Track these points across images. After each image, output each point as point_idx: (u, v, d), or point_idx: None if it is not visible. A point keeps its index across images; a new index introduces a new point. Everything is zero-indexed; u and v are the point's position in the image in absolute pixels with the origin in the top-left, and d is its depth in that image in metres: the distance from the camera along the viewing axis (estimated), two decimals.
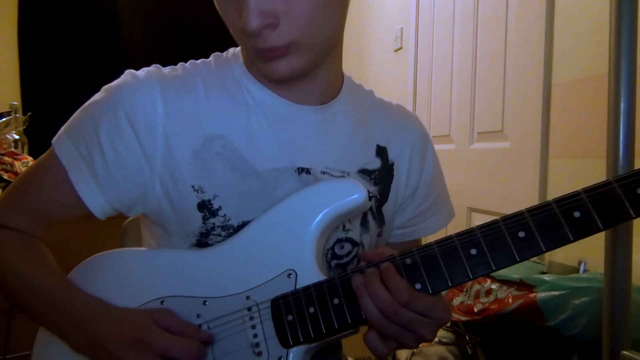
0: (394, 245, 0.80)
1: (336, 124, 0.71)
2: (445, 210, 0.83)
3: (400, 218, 0.79)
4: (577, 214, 0.52)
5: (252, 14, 0.54)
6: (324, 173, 0.69)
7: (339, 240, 0.71)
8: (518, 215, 0.54)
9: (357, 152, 0.72)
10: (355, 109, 0.74)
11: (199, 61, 0.71)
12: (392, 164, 0.76)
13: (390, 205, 0.76)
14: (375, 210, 0.74)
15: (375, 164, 0.74)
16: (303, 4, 0.57)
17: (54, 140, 0.67)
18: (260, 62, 0.61)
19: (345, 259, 0.72)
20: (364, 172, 0.73)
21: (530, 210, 0.54)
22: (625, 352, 0.84)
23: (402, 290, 0.55)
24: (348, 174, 0.71)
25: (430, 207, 0.80)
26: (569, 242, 0.53)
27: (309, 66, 0.64)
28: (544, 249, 0.53)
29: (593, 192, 0.52)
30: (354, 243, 0.72)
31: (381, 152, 0.75)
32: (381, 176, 0.74)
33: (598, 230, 0.52)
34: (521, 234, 0.54)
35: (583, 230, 0.52)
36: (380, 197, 0.75)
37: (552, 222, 0.53)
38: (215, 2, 0.60)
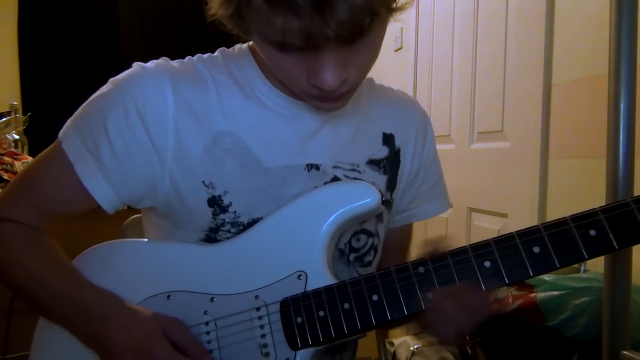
0: (390, 232, 0.80)
1: (343, 119, 0.71)
2: (443, 197, 0.83)
3: (403, 201, 0.79)
4: (593, 233, 0.52)
5: (332, 75, 0.53)
6: (335, 167, 0.69)
7: (355, 233, 0.72)
8: (534, 231, 0.54)
9: (364, 143, 0.73)
10: (358, 100, 0.74)
11: (205, 56, 0.70)
12: (399, 150, 0.76)
13: (399, 191, 0.77)
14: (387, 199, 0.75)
15: (382, 152, 0.74)
16: (369, 54, 0.57)
17: (60, 133, 0.66)
18: (312, 100, 0.61)
19: (362, 251, 0.72)
20: (372, 163, 0.73)
21: (546, 226, 0.54)
22: (625, 352, 0.84)
23: (485, 302, 0.56)
24: (358, 166, 0.71)
25: (429, 190, 0.81)
26: (583, 260, 0.53)
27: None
28: (558, 265, 0.53)
29: (610, 212, 0.52)
30: (369, 234, 0.73)
31: (388, 139, 0.75)
32: (389, 164, 0.75)
33: (613, 250, 0.52)
34: (536, 250, 0.54)
35: (598, 250, 0.52)
36: (390, 184, 0.75)
37: (567, 240, 0.53)
38: (267, 57, 0.57)
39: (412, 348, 1.30)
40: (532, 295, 1.02)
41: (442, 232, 1.95)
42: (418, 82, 2.24)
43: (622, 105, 0.83)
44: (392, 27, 2.49)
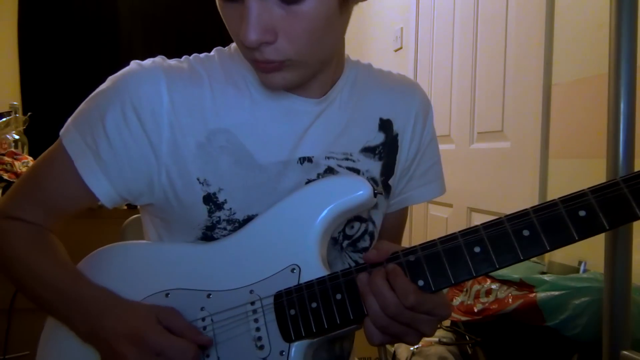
0: (384, 216, 0.79)
1: (335, 109, 0.71)
2: (438, 181, 0.82)
3: (399, 186, 0.79)
4: (582, 214, 0.52)
5: (251, 29, 0.54)
6: (328, 158, 0.70)
7: (349, 221, 0.72)
8: (523, 214, 0.54)
9: (358, 131, 0.73)
10: (353, 87, 0.74)
11: (202, 55, 0.71)
12: (397, 135, 0.76)
13: (396, 177, 0.76)
14: (383, 185, 0.75)
15: (378, 138, 0.74)
16: (302, 25, 0.56)
17: (61, 131, 0.67)
18: (256, 70, 0.62)
19: (356, 236, 0.73)
20: (367, 150, 0.73)
21: (536, 209, 0.54)
22: (625, 352, 0.84)
23: (408, 293, 0.54)
24: (351, 155, 0.71)
25: (423, 173, 0.80)
26: (573, 241, 0.52)
27: (303, 80, 0.64)
28: (548, 248, 0.52)
29: (599, 192, 0.52)
30: (361, 220, 0.73)
31: (385, 125, 0.75)
32: (386, 150, 0.74)
33: (604, 230, 0.51)
34: (525, 233, 0.53)
35: (588, 230, 0.52)
36: (387, 170, 0.75)
37: (557, 221, 0.52)
38: (219, 7, 0.59)
39: (412, 348, 1.30)
40: (532, 295, 1.02)
41: (442, 231, 1.94)
42: (418, 82, 2.24)
43: (622, 105, 0.84)
44: (392, 27, 2.50)
